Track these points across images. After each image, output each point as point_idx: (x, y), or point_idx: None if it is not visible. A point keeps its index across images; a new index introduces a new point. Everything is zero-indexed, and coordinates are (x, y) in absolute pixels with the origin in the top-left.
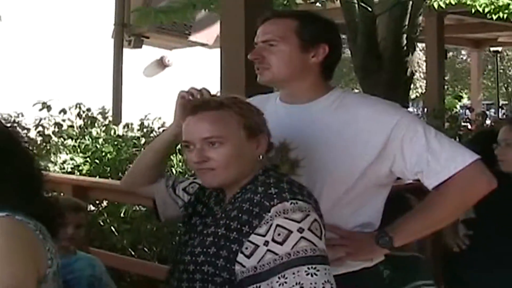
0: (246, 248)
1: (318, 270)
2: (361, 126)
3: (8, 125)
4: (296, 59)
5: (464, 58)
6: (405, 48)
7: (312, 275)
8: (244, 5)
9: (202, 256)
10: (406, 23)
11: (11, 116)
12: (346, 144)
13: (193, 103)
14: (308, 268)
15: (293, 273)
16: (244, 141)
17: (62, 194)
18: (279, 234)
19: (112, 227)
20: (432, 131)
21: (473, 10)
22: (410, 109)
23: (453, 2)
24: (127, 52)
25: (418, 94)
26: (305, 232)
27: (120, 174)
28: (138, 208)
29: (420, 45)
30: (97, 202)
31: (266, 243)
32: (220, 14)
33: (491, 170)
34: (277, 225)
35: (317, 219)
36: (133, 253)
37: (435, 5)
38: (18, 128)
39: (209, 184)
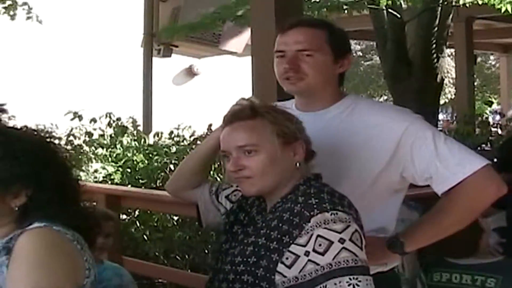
0: (287, 258)
1: (360, 281)
2: (371, 133)
3: (46, 135)
4: (329, 69)
5: (493, 63)
6: (434, 54)
7: (354, 286)
8: (274, 13)
9: (242, 266)
10: (435, 29)
11: (45, 127)
12: (358, 151)
13: (229, 113)
14: (350, 279)
15: (335, 284)
16: (279, 149)
17: (95, 203)
18: (320, 245)
19: (144, 236)
20: (441, 136)
21: (502, 9)
22: (440, 115)
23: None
24: (156, 61)
25: (447, 100)
26: (347, 243)
27: (151, 183)
28: (170, 217)
29: (449, 51)
30: (129, 211)
31: (307, 253)
32: (250, 23)
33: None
34: (318, 236)
35: (357, 229)
36: (165, 261)
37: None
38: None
39: (247, 192)
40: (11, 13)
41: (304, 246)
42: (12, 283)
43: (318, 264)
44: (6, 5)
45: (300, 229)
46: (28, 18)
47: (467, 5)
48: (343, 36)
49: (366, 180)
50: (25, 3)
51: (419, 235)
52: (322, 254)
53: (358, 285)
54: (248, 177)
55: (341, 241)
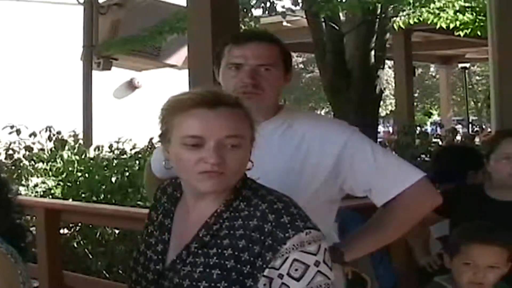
0: (264, 285)
1: None
2: (311, 148)
3: None
4: (281, 84)
5: (434, 74)
6: (373, 66)
7: None
8: (211, 27)
9: None
10: (374, 41)
11: None
12: (298, 166)
13: (209, 94)
14: None
15: None
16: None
17: (34, 217)
18: (296, 270)
19: (86, 250)
20: (380, 149)
21: (437, 26)
22: (381, 126)
23: (416, 21)
24: (96, 74)
25: (388, 112)
26: (321, 265)
27: (93, 196)
28: (112, 230)
29: (390, 63)
30: (71, 225)
31: (280, 276)
32: (187, 37)
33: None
34: (294, 259)
35: (326, 248)
36: (108, 275)
37: (399, 24)
38: None
39: (210, 189)
40: None
41: (278, 269)
42: None
43: None
44: None
45: (274, 252)
46: None
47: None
48: (288, 51)
49: (307, 194)
50: None
51: (359, 245)
52: (297, 279)
53: None
54: (221, 173)
55: (316, 264)
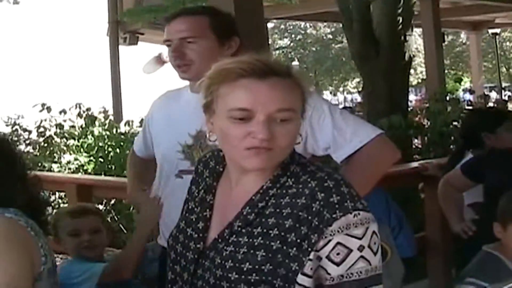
0: (311, 269)
1: None
2: None
3: None
4: (215, 53)
5: (464, 41)
6: (401, 32)
7: None
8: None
9: (255, 275)
10: (401, 7)
11: (11, 118)
12: None
13: (259, 63)
14: None
15: None
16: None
17: (64, 193)
18: (338, 254)
19: (121, 225)
20: (337, 109)
21: None
22: (413, 95)
23: None
24: (124, 49)
25: (420, 80)
26: (365, 250)
27: (124, 171)
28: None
29: (419, 31)
30: (104, 200)
31: (319, 259)
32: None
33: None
34: (338, 243)
35: (375, 230)
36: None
37: None
38: (19, 130)
39: (257, 167)
40: None
41: (318, 251)
42: None
43: (329, 274)
44: None
45: (319, 234)
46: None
47: None
48: (227, 19)
49: None
50: None
51: None
52: (338, 264)
53: None
54: (270, 149)
55: (360, 248)
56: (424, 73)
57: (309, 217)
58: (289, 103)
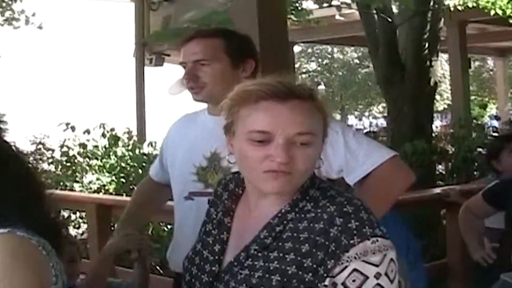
0: None
1: None
2: None
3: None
4: (228, 76)
5: (491, 67)
6: (427, 58)
7: None
8: (257, 20)
9: None
10: (427, 32)
11: (36, 138)
12: None
13: (281, 85)
14: None
15: None
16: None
17: (84, 213)
18: (353, 280)
19: None
20: (350, 131)
21: (492, 12)
22: (437, 120)
23: (470, 6)
24: (150, 71)
25: (446, 106)
26: (381, 278)
27: None
28: (165, 225)
29: (446, 56)
30: None
31: (334, 285)
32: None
33: None
34: (354, 269)
35: (393, 258)
36: (161, 272)
37: (453, 5)
38: (42, 149)
39: (275, 190)
40: (14, 24)
41: (334, 277)
42: None
43: None
44: (5, 17)
45: (336, 259)
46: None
47: (459, 8)
48: (242, 42)
49: None
50: (23, 11)
51: None
52: None
53: None
54: (288, 173)
55: (377, 276)
56: (449, 98)
57: (327, 242)
58: (309, 127)
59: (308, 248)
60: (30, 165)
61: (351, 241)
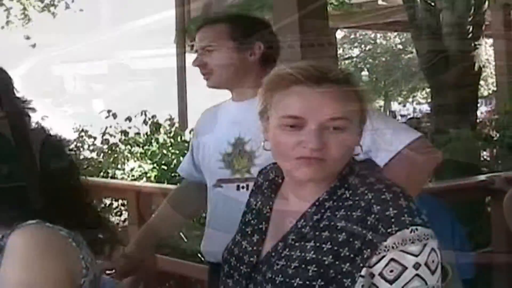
0: (363, 286)
1: None
2: None
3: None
4: (236, 60)
5: None
6: (471, 42)
7: None
8: (297, 5)
9: None
10: (471, 16)
11: (80, 126)
12: None
13: (312, 68)
14: None
15: None
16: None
17: (126, 201)
18: (391, 271)
19: (181, 233)
20: (375, 112)
21: None
22: (482, 106)
23: None
24: (191, 57)
25: (490, 91)
26: (421, 268)
27: None
28: (205, 213)
29: (490, 41)
30: None
31: (371, 275)
32: (273, 14)
33: None
34: (391, 259)
35: (434, 248)
36: (203, 260)
37: None
38: (84, 136)
39: (307, 177)
40: (52, 10)
41: (371, 267)
42: (4, 283)
43: None
44: (44, 4)
45: (373, 249)
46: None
47: None
48: (249, 25)
49: None
50: None
51: None
52: (390, 282)
53: None
54: (322, 160)
55: (416, 266)
56: (494, 84)
57: (364, 231)
58: (343, 111)
59: (345, 237)
60: (65, 154)
61: (389, 230)
